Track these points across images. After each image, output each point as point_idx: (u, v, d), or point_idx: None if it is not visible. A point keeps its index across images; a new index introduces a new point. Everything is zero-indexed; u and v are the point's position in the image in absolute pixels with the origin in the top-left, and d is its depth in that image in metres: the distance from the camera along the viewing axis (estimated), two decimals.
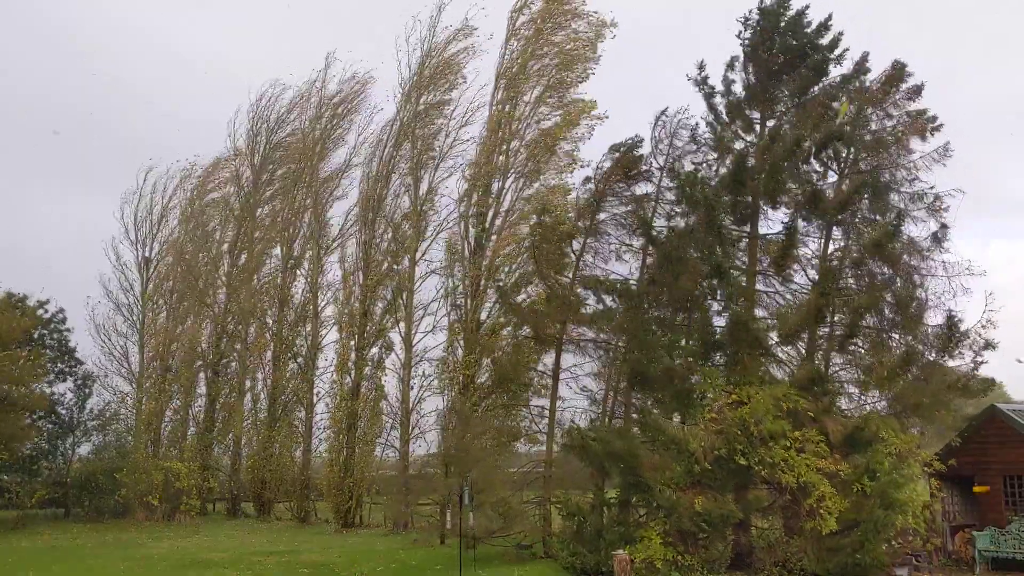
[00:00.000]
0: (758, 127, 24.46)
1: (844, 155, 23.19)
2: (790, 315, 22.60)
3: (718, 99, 24.56)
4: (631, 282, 25.20)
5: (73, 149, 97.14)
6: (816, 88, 23.78)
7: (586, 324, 25.58)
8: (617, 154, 25.47)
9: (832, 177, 23.53)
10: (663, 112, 24.75)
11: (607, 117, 31.30)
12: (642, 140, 25.23)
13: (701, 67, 24.54)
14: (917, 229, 22.48)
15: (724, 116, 24.58)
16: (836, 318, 22.64)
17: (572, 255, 26.28)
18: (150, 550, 26.95)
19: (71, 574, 21.72)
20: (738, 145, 24.26)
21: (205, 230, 48.67)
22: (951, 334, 21.43)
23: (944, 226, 21.97)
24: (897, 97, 23.09)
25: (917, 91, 22.91)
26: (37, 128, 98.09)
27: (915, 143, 22.78)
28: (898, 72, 22.88)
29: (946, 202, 22.10)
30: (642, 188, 25.79)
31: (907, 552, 20.70)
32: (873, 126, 23.30)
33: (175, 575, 21.86)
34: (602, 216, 26.13)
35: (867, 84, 23.31)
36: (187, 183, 49.19)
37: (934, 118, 22.58)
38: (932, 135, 22.52)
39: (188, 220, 48.34)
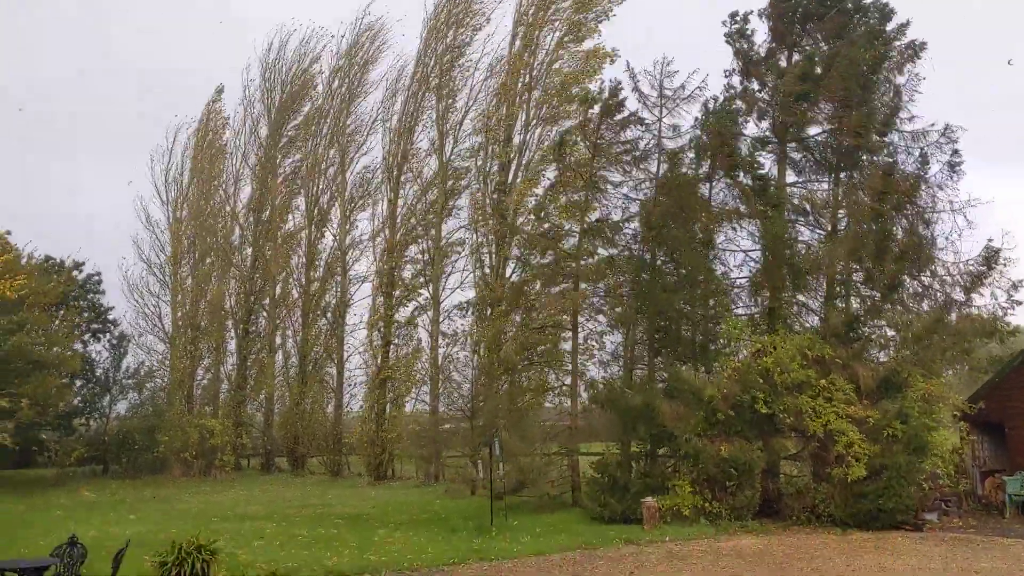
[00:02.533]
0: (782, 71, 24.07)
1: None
2: (827, 255, 22.34)
3: (745, 47, 24.26)
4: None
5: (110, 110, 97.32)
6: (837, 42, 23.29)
7: (593, 278, 25.54)
8: (597, 105, 25.08)
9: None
10: (629, 65, 24.53)
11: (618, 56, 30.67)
12: (620, 86, 24.73)
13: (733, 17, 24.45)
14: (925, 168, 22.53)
15: (752, 62, 24.23)
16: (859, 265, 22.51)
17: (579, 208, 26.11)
18: (188, 504, 27.60)
19: (112, 527, 22.22)
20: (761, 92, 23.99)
21: (216, 184, 48.33)
22: (988, 266, 21.30)
23: (955, 163, 22.07)
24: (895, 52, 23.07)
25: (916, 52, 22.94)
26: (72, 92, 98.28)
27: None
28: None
29: (956, 133, 22.10)
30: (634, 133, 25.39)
31: (937, 497, 20.69)
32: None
33: (213, 527, 22.26)
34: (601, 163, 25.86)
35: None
36: (191, 138, 49.19)
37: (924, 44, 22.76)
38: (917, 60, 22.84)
39: (198, 172, 48.27)
